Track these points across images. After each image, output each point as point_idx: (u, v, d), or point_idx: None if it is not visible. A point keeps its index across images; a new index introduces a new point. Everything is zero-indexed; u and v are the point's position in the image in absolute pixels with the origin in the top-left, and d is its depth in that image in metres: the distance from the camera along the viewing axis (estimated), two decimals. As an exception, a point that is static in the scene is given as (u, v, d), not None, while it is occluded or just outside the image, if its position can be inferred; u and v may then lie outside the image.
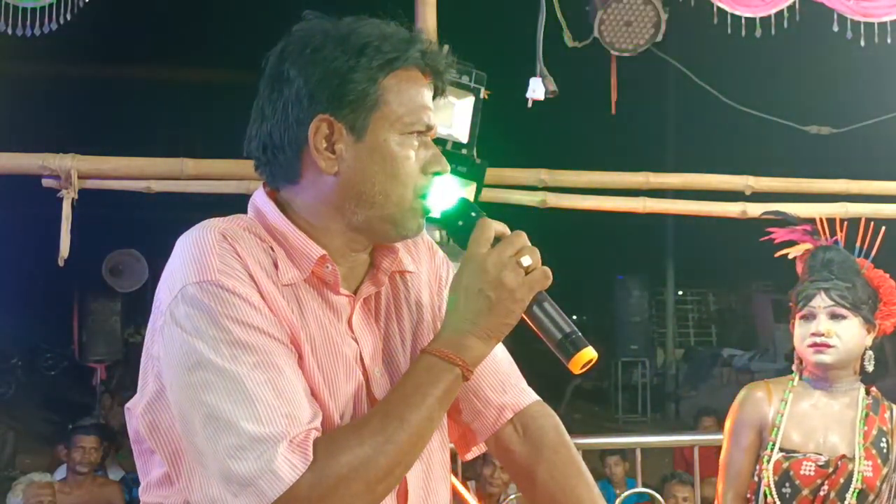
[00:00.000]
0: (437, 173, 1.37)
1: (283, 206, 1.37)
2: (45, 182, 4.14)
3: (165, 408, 1.29)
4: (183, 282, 1.26)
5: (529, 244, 1.29)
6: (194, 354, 1.22)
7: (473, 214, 1.36)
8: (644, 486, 3.77)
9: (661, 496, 3.94)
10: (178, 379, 1.24)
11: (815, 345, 2.59)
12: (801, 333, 2.64)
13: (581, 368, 1.29)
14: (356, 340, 1.36)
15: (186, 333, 1.23)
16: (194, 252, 1.27)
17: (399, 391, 1.28)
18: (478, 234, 1.30)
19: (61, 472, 6.06)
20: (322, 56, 1.32)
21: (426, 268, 1.52)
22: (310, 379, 1.28)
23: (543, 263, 1.30)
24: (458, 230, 1.36)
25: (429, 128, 1.37)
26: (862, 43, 4.55)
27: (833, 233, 2.76)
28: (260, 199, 1.39)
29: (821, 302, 2.61)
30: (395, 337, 1.43)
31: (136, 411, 1.33)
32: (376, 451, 1.20)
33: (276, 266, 1.31)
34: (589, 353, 1.28)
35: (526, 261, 1.27)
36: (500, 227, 1.31)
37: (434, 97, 1.41)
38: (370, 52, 1.31)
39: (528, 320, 1.31)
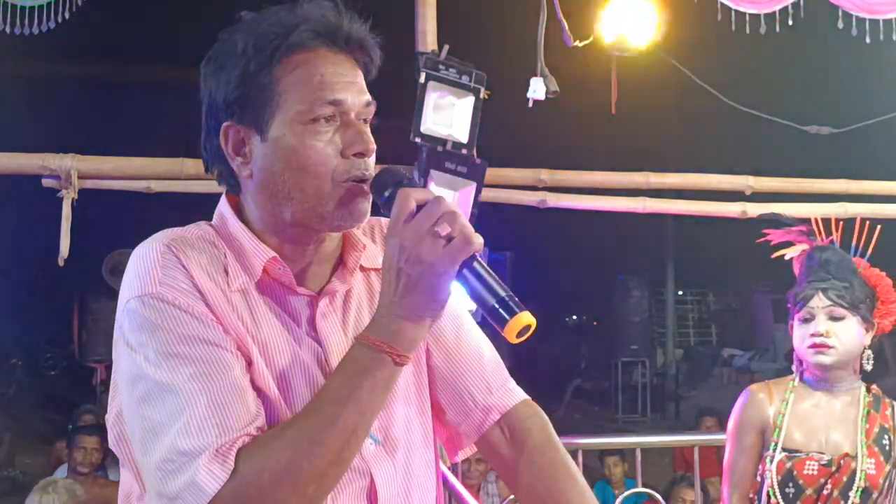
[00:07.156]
0: (359, 154, 1.29)
1: (239, 211, 1.37)
2: (45, 182, 4.14)
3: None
4: (128, 296, 1.27)
5: (450, 209, 1.18)
6: (135, 368, 1.24)
7: (402, 182, 1.25)
8: (644, 486, 3.76)
9: (668, 499, 3.91)
10: (125, 394, 1.26)
11: (814, 346, 2.60)
12: (801, 335, 2.64)
13: (518, 337, 1.18)
14: (319, 342, 1.33)
15: (129, 348, 1.25)
16: (138, 267, 1.28)
17: (329, 387, 1.23)
18: (397, 208, 1.20)
19: (62, 472, 6.05)
20: (218, 66, 1.32)
21: None
22: (260, 384, 1.26)
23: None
24: (387, 202, 1.26)
25: (336, 102, 1.28)
26: (867, 40, 4.52)
27: (829, 233, 2.76)
28: (222, 204, 1.39)
29: (819, 302, 2.61)
30: None
31: (109, 423, 1.34)
32: (299, 455, 1.16)
33: (226, 272, 1.29)
34: (525, 318, 1.17)
35: (444, 229, 1.17)
36: (421, 195, 1.21)
37: (367, 73, 1.33)
38: (252, 51, 1.28)
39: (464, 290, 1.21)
